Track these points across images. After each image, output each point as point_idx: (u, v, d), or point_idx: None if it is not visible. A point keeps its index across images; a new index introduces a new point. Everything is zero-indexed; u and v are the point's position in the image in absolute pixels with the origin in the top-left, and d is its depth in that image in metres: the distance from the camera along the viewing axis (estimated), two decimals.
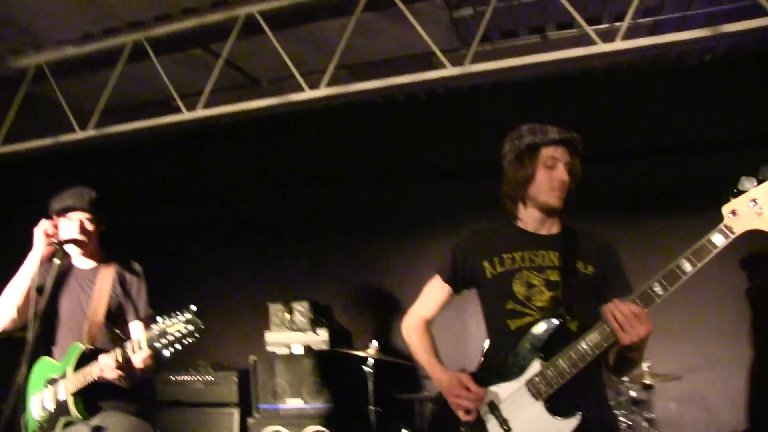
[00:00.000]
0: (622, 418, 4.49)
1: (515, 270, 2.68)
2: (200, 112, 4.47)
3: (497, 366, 2.66)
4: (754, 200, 2.34)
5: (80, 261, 3.75)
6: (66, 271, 3.65)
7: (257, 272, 6.37)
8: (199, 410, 5.78)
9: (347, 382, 5.41)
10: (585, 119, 5.53)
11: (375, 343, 4.95)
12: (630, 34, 3.68)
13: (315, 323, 5.75)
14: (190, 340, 3.18)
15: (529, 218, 2.76)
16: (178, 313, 3.20)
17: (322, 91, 4.14)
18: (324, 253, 6.24)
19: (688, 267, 2.35)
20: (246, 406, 5.68)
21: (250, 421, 5.55)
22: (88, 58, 4.96)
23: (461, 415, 2.59)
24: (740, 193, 2.37)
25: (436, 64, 4.22)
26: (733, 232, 2.34)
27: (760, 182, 2.35)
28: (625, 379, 4.50)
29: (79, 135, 4.90)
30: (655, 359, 4.70)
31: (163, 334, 3.17)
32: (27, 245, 3.65)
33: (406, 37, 4.56)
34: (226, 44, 4.45)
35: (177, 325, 3.17)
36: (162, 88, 4.80)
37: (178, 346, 3.18)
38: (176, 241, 6.42)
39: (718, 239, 2.34)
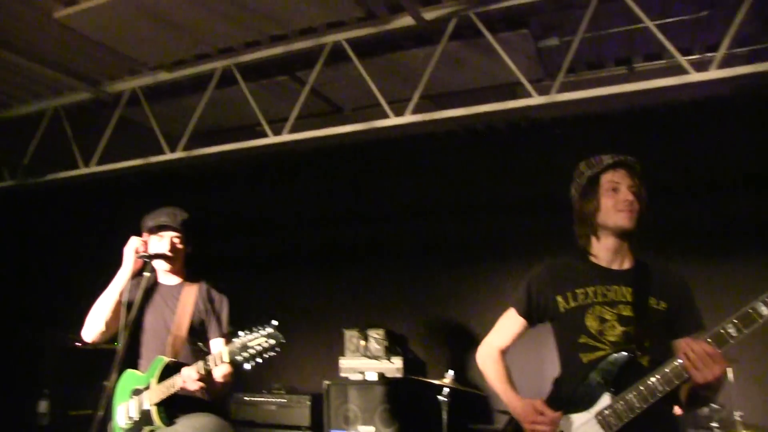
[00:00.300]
0: None
1: (588, 305, 2.72)
2: (286, 137, 4.56)
3: (568, 397, 2.67)
4: None
5: (166, 278, 3.87)
6: (152, 287, 3.77)
7: (334, 299, 6.41)
8: None
9: (420, 412, 5.33)
10: (669, 153, 5.44)
11: (451, 372, 4.89)
12: (725, 63, 3.58)
13: (390, 351, 5.76)
14: (271, 354, 3.21)
15: (602, 252, 2.79)
16: (259, 327, 3.24)
17: (408, 118, 4.17)
18: (401, 283, 6.24)
19: (764, 310, 2.31)
20: (317, 431, 5.68)
21: None
22: (179, 84, 5.13)
23: None
24: None
25: (519, 95, 4.21)
26: None
27: None
28: (714, 425, 4.30)
29: (168, 156, 5.06)
30: (749, 409, 4.48)
31: (245, 347, 3.22)
32: (118, 261, 3.79)
33: (489, 67, 4.59)
34: (313, 71, 4.53)
35: (258, 339, 3.21)
36: (248, 114, 4.93)
37: (259, 360, 3.22)
38: (256, 266, 6.52)
39: (765, 311, 2.30)
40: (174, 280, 3.86)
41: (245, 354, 3.22)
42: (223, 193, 6.72)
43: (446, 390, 4.82)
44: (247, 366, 3.24)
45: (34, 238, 6.46)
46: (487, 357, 2.98)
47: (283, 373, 6.14)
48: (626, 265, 2.78)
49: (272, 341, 3.20)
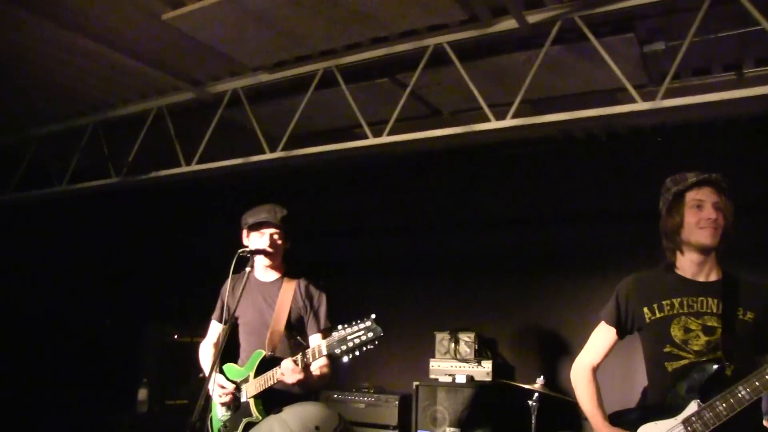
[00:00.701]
0: None
1: (673, 315, 2.85)
2: (386, 138, 4.59)
3: (655, 404, 2.84)
4: None
5: (265, 274, 3.98)
6: (252, 283, 3.88)
7: (426, 302, 6.47)
8: (358, 429, 5.88)
9: (508, 416, 5.33)
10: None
11: (541, 378, 4.88)
12: None
13: (480, 354, 5.77)
14: (369, 347, 3.27)
15: (687, 265, 2.91)
16: (358, 321, 3.31)
17: (509, 122, 4.15)
18: (493, 288, 6.24)
19: None
20: (405, 431, 5.73)
21: None
22: (279, 85, 5.22)
23: None
24: None
25: (620, 101, 4.14)
26: None
27: None
28: None
29: (268, 156, 5.16)
30: None
31: (344, 340, 3.29)
32: (216, 258, 3.91)
33: (591, 72, 4.52)
34: (414, 74, 4.55)
35: (357, 333, 3.27)
36: (347, 116, 4.99)
37: (357, 353, 3.28)
38: (352, 268, 6.62)
39: None
40: (273, 276, 3.97)
41: (344, 347, 3.28)
42: (319, 195, 6.84)
43: (536, 395, 4.81)
44: (345, 359, 3.30)
45: (137, 235, 6.71)
46: (580, 376, 3.11)
47: (373, 373, 6.22)
48: (713, 277, 2.89)
49: (371, 334, 3.26)
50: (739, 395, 2.61)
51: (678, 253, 2.94)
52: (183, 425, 3.21)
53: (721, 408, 2.64)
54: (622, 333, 3.06)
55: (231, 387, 3.80)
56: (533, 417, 4.85)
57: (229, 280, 3.94)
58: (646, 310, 2.94)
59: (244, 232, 3.95)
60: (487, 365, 5.69)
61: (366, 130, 4.68)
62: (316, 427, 1.49)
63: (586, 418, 3.21)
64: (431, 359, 5.89)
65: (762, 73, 4.51)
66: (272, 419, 1.52)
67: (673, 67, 3.88)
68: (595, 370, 3.11)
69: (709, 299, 2.84)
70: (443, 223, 6.53)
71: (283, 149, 5.09)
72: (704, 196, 2.85)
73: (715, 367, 2.72)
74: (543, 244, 6.09)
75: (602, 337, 3.11)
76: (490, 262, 6.28)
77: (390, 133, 4.64)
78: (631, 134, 5.50)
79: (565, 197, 6.02)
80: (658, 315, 2.90)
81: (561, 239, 6.03)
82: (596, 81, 4.64)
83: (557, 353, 5.81)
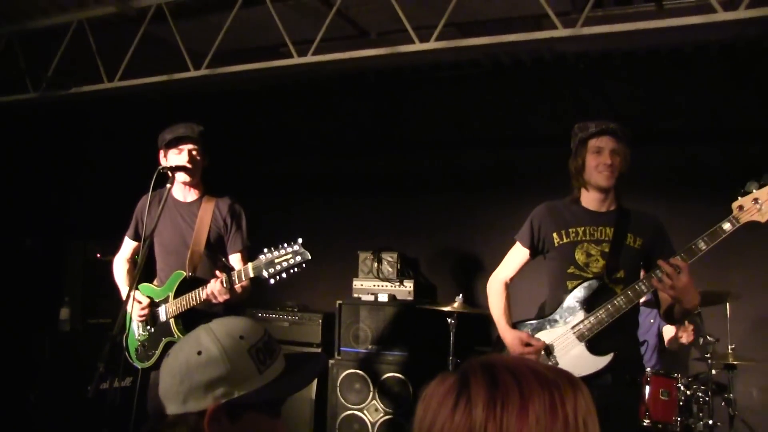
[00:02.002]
0: (699, 394, 4.54)
1: (578, 242, 3.33)
2: (311, 58, 4.55)
3: (551, 315, 3.34)
4: (755, 199, 3.02)
5: (184, 194, 3.96)
6: (170, 203, 3.88)
7: (350, 223, 6.53)
8: (282, 347, 5.98)
9: (429, 333, 5.52)
10: (690, 95, 5.45)
11: (460, 296, 5.05)
12: (755, 2, 3.56)
13: (402, 274, 5.91)
14: (296, 270, 3.36)
15: (590, 199, 3.38)
16: (285, 245, 3.37)
17: (433, 45, 4.17)
18: (416, 210, 6.36)
19: (702, 246, 3.03)
20: (328, 348, 5.87)
21: (330, 362, 5.74)
22: (205, 1, 5.03)
23: None
24: (747, 193, 3.05)
25: (545, 27, 4.19)
26: (738, 222, 3.02)
27: (761, 186, 3.03)
28: (708, 355, 4.52)
29: (192, 73, 5.04)
30: (740, 343, 4.69)
31: (271, 263, 3.36)
32: (139, 175, 3.88)
33: None
34: None
35: (285, 256, 3.35)
36: (273, 35, 4.90)
37: (285, 275, 3.36)
38: (274, 187, 6.61)
39: (727, 226, 3.02)
40: (192, 195, 3.96)
41: (271, 270, 3.36)
42: (244, 114, 6.76)
43: (455, 314, 4.98)
44: (272, 281, 3.38)
45: (56, 151, 6.52)
46: (494, 288, 3.58)
47: (297, 292, 6.30)
48: (612, 208, 3.37)
49: (298, 258, 3.35)
50: (617, 303, 3.15)
51: (582, 189, 3.39)
52: (104, 339, 3.25)
53: (602, 315, 3.17)
54: (534, 253, 3.52)
55: (147, 302, 3.83)
56: (452, 334, 5.04)
57: (146, 198, 3.94)
58: (555, 235, 3.39)
59: (161, 152, 3.90)
60: (409, 285, 5.85)
61: (291, 48, 4.63)
62: (241, 337, 1.53)
63: (497, 336, 3.51)
64: (354, 278, 6.01)
65: (681, 5, 4.61)
66: (200, 329, 1.57)
67: None
68: (508, 284, 3.57)
69: (607, 228, 3.32)
70: (368, 144, 6.56)
71: (207, 67, 4.99)
72: (603, 143, 3.26)
73: (599, 283, 3.23)
74: (465, 167, 6.22)
75: (516, 256, 3.56)
76: (413, 185, 6.39)
77: (316, 53, 4.60)
78: (556, 61, 5.58)
79: (488, 122, 6.11)
80: (565, 240, 3.36)
81: (482, 163, 6.16)
82: (522, 6, 4.66)
83: (475, 273, 6.00)
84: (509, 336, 3.37)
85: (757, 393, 5.15)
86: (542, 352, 3.29)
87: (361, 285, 5.96)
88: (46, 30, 5.55)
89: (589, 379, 3.12)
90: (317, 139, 6.73)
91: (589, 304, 3.24)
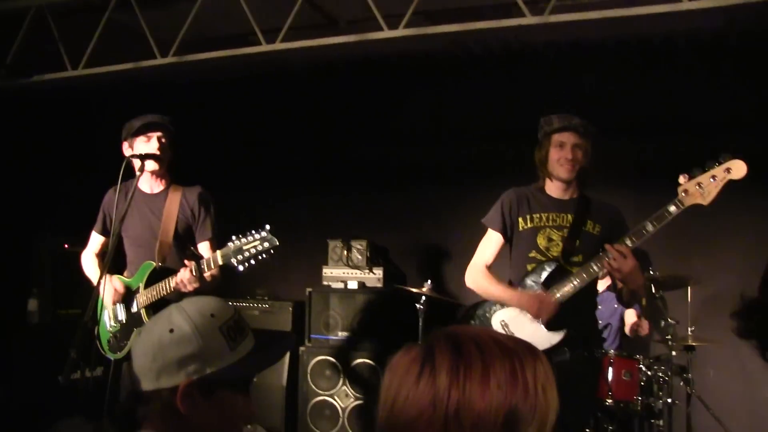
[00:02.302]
0: (660, 374, 4.72)
1: (540, 227, 3.49)
2: (279, 45, 4.55)
3: None
4: (699, 183, 3.16)
5: (150, 186, 3.95)
6: (137, 196, 3.85)
7: (319, 211, 6.53)
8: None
9: (398, 320, 5.56)
10: (661, 87, 5.53)
11: (429, 282, 5.10)
12: None
13: (371, 262, 5.94)
14: (264, 256, 3.37)
15: (553, 188, 3.56)
16: (253, 231, 3.39)
17: (401, 32, 4.19)
18: (385, 198, 6.38)
19: (650, 228, 3.20)
20: (298, 336, 5.87)
21: (301, 349, 5.77)
22: None
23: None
24: (692, 177, 3.19)
25: (515, 16, 4.24)
26: (683, 205, 3.18)
27: (704, 171, 3.17)
28: (669, 337, 4.66)
29: (159, 61, 4.99)
30: (700, 325, 4.83)
31: (239, 250, 3.38)
32: (106, 166, 3.86)
33: None
34: None
35: (253, 243, 3.36)
36: (241, 23, 4.88)
37: (253, 262, 3.38)
38: (243, 177, 6.59)
39: (673, 209, 3.19)
40: (158, 187, 3.95)
41: (239, 257, 3.38)
42: (211, 105, 6.73)
43: (423, 298, 5.03)
44: (240, 268, 3.40)
45: (20, 141, 6.43)
46: (477, 273, 3.63)
47: (267, 280, 6.31)
48: (574, 195, 3.54)
49: (266, 244, 3.37)
50: (572, 283, 3.33)
51: (547, 179, 3.57)
52: (75, 328, 3.24)
53: (556, 295, 3.34)
54: (505, 237, 3.62)
55: (121, 286, 3.83)
56: (421, 320, 5.08)
57: (112, 190, 3.94)
58: (520, 219, 3.54)
59: (125, 143, 3.87)
60: (379, 272, 5.88)
61: (259, 36, 4.62)
62: (212, 315, 1.56)
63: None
64: (324, 266, 6.03)
65: None
66: (172, 307, 1.60)
67: None
68: (489, 267, 3.64)
69: (569, 215, 3.48)
70: (338, 134, 6.55)
71: (174, 54, 4.96)
72: (566, 138, 3.44)
73: (554, 265, 3.41)
74: (433, 157, 6.25)
75: (490, 241, 3.65)
76: (383, 175, 6.40)
77: (284, 40, 4.60)
78: (525, 50, 5.60)
79: (457, 112, 6.13)
80: (528, 225, 3.52)
81: (451, 154, 6.20)
82: None
83: (444, 261, 6.07)
84: (525, 298, 3.42)
85: (713, 373, 5.29)
86: (500, 329, 3.44)
87: (331, 273, 5.98)
88: (4, 15, 5.43)
89: (548, 355, 3.18)
90: (287, 130, 6.71)
91: (545, 285, 3.41)
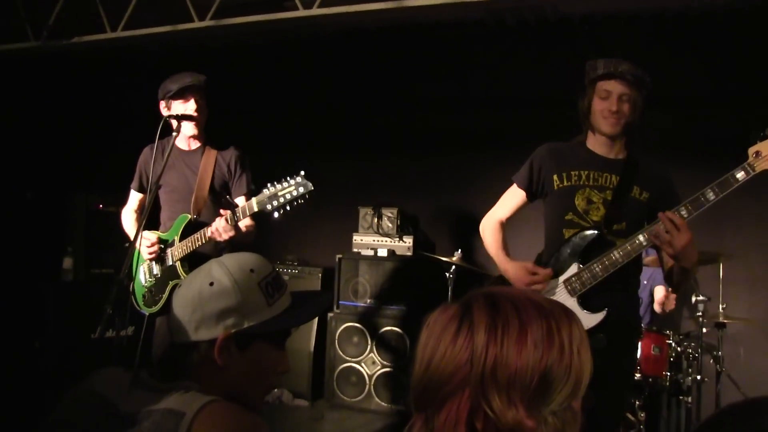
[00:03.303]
0: (689, 351, 4.68)
1: (579, 186, 3.09)
2: (316, 11, 4.55)
3: (544, 266, 3.10)
4: None
5: (187, 143, 4.00)
6: (174, 153, 3.88)
7: (351, 178, 6.55)
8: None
9: (427, 288, 5.59)
10: (697, 61, 5.45)
11: (459, 252, 5.10)
12: None
13: (401, 230, 5.97)
14: (300, 201, 3.34)
15: (596, 143, 3.15)
16: (288, 177, 3.37)
17: None
18: (415, 166, 6.38)
19: (711, 196, 2.76)
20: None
21: (329, 315, 5.82)
22: None
23: None
24: (766, 137, 2.75)
25: None
26: (754, 170, 2.74)
27: None
28: (699, 314, 4.62)
29: (197, 24, 5.02)
30: (732, 303, 4.78)
31: (275, 196, 3.35)
32: (142, 127, 3.90)
33: None
34: None
35: (288, 188, 3.33)
36: None
37: (288, 208, 3.35)
38: (276, 143, 6.59)
39: (741, 175, 2.75)
40: (195, 144, 4.00)
41: (275, 203, 3.35)
42: (247, 73, 6.74)
43: (453, 267, 5.04)
44: (276, 215, 3.37)
45: (59, 102, 6.52)
46: (488, 226, 3.39)
47: (297, 246, 6.37)
48: (620, 156, 3.13)
49: (301, 189, 3.33)
50: (613, 257, 2.91)
51: (590, 132, 3.17)
52: (111, 284, 3.29)
53: (597, 269, 2.95)
54: (531, 196, 3.31)
55: (155, 239, 3.89)
56: (449, 289, 5.09)
57: (149, 148, 3.98)
58: (555, 177, 3.16)
59: (162, 103, 3.90)
60: (408, 240, 5.90)
61: (297, 1, 4.61)
62: (251, 270, 1.59)
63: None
64: (354, 233, 6.06)
65: None
66: (212, 262, 1.63)
67: None
68: (503, 223, 3.38)
69: (612, 176, 3.06)
70: (368, 103, 6.54)
71: (212, 18, 4.97)
72: (612, 87, 3.02)
73: (596, 234, 3.00)
74: (465, 127, 6.20)
75: (511, 197, 3.36)
76: (414, 143, 6.39)
77: (321, 5, 4.59)
78: (560, 22, 5.54)
79: (489, 83, 6.09)
80: (565, 183, 3.13)
81: (483, 123, 6.14)
82: None
83: (474, 231, 5.99)
84: (511, 268, 3.15)
85: (744, 351, 5.24)
86: None
87: (361, 240, 6.01)
88: None
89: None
90: (320, 95, 6.71)
91: (584, 256, 3.00)
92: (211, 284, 1.56)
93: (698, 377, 4.61)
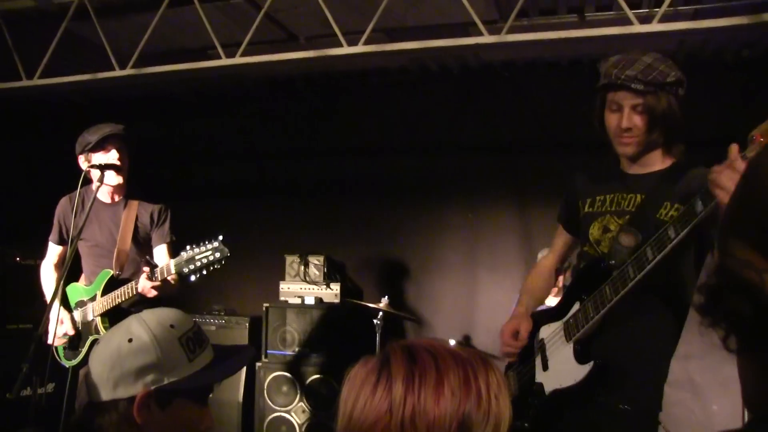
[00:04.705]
0: None
1: (599, 213, 2.55)
2: (239, 59, 4.55)
3: (558, 306, 2.65)
4: None
5: (110, 196, 3.95)
6: (96, 205, 3.82)
7: (277, 227, 6.51)
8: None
9: (355, 335, 5.56)
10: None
11: (386, 298, 5.11)
12: (668, 18, 3.75)
13: (329, 277, 5.93)
14: (216, 266, 3.39)
15: (625, 159, 2.56)
16: (206, 241, 3.41)
17: (360, 48, 4.21)
18: (342, 214, 6.37)
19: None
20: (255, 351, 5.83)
21: (257, 365, 5.72)
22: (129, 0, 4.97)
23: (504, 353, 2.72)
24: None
25: (472, 35, 4.31)
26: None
27: None
28: None
29: (117, 73, 4.95)
30: None
31: (192, 260, 3.38)
32: (60, 178, 3.82)
33: (446, 5, 4.65)
34: None
35: (205, 253, 3.37)
36: (201, 38, 4.87)
37: (205, 272, 3.39)
38: (201, 191, 6.55)
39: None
40: (117, 196, 3.95)
41: (191, 266, 3.39)
42: (169, 120, 6.68)
43: (380, 314, 5.03)
44: (193, 278, 3.40)
45: None
46: (534, 269, 3.04)
47: (223, 296, 6.27)
48: (657, 167, 2.49)
49: (218, 254, 3.38)
50: (604, 293, 2.33)
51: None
52: (27, 344, 3.18)
53: (589, 308, 2.39)
54: (571, 231, 2.81)
55: (71, 328, 3.80)
56: (377, 335, 5.06)
57: (66, 199, 3.91)
58: (580, 203, 2.66)
59: (82, 157, 3.83)
60: (336, 287, 5.87)
61: (219, 50, 4.62)
62: (171, 326, 1.57)
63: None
64: (281, 281, 6.00)
65: (601, 17, 4.83)
66: (131, 318, 1.60)
67: (518, 3, 4.07)
68: (548, 267, 2.94)
69: (638, 195, 2.46)
70: (295, 149, 6.55)
71: (133, 66, 4.93)
72: (620, 98, 2.37)
73: (594, 265, 2.49)
74: (392, 173, 6.27)
75: (556, 236, 2.92)
76: (341, 189, 6.41)
77: (244, 55, 4.60)
78: (482, 69, 5.70)
79: (414, 128, 6.18)
80: (587, 210, 2.62)
81: (409, 169, 6.21)
82: (451, 14, 4.76)
83: (401, 277, 6.08)
84: (512, 317, 2.74)
85: None
86: (537, 351, 2.63)
87: (288, 288, 5.95)
88: None
89: (573, 398, 2.38)
90: (245, 144, 6.70)
91: (586, 292, 2.44)
92: (130, 341, 1.53)
93: None
